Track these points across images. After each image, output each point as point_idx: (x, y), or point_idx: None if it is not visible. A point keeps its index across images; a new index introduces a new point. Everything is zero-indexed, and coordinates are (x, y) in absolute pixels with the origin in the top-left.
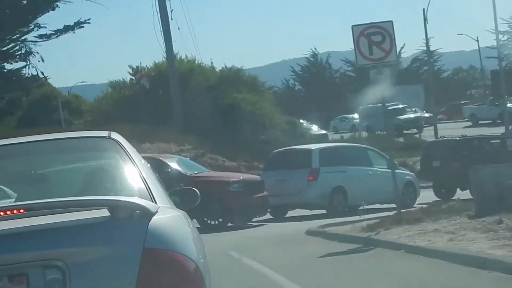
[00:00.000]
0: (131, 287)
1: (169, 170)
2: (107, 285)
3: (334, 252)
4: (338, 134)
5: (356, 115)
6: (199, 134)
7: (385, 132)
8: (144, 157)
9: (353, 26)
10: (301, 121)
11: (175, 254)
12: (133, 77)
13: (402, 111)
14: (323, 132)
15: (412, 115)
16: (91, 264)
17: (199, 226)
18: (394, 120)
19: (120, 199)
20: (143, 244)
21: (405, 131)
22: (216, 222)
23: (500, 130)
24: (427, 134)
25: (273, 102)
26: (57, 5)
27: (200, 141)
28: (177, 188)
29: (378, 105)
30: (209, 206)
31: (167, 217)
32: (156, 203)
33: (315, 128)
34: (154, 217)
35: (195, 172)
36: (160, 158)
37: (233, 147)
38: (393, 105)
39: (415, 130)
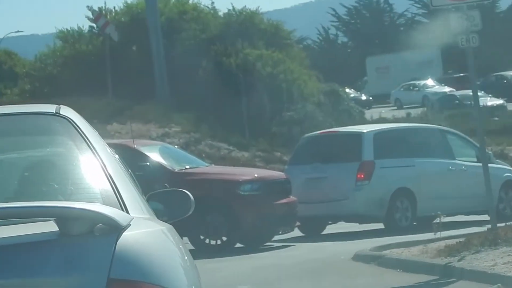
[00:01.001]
0: None
1: (148, 163)
2: None
3: (396, 287)
4: (403, 109)
5: (430, 81)
6: (193, 111)
7: None
8: (110, 145)
9: None
10: (347, 90)
11: None
12: (94, 25)
13: None
14: (499, 101)
15: None
16: None
17: (192, 248)
18: None
19: (74, 206)
20: (108, 273)
21: None
22: (219, 242)
23: None
24: None
25: (305, 62)
26: None
27: (194, 120)
28: (160, 191)
29: None
30: (208, 217)
31: (144, 233)
32: (127, 212)
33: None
34: (124, 233)
35: (187, 166)
36: (135, 146)
37: (243, 129)
38: None
39: None
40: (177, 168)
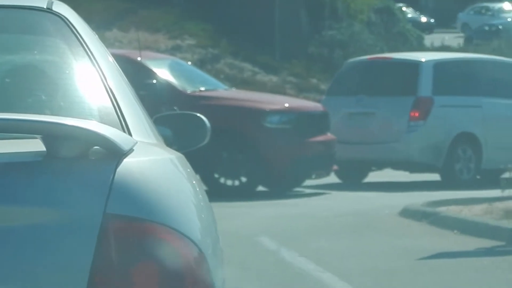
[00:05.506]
0: (80, 284)
1: (154, 81)
2: (36, 274)
3: (452, 251)
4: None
5: (507, 5)
6: (212, 20)
7: None
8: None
9: None
10: (404, 9)
11: (162, 229)
12: None
13: None
14: None
15: None
16: (7, 236)
17: (205, 188)
18: None
19: (65, 122)
20: (105, 207)
21: None
22: (237, 183)
23: None
24: None
25: None
26: None
27: (213, 32)
28: (169, 113)
29: None
30: (224, 153)
31: (150, 161)
32: (130, 134)
33: None
34: (125, 160)
35: (201, 88)
36: (139, 59)
37: (274, 47)
38: None
39: None
40: (189, 90)
